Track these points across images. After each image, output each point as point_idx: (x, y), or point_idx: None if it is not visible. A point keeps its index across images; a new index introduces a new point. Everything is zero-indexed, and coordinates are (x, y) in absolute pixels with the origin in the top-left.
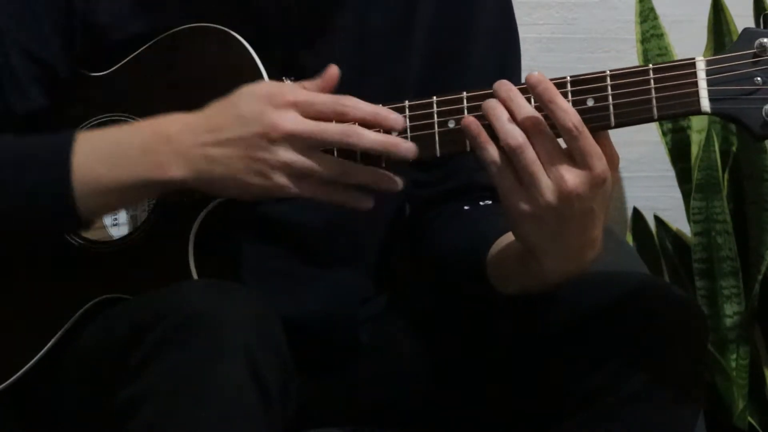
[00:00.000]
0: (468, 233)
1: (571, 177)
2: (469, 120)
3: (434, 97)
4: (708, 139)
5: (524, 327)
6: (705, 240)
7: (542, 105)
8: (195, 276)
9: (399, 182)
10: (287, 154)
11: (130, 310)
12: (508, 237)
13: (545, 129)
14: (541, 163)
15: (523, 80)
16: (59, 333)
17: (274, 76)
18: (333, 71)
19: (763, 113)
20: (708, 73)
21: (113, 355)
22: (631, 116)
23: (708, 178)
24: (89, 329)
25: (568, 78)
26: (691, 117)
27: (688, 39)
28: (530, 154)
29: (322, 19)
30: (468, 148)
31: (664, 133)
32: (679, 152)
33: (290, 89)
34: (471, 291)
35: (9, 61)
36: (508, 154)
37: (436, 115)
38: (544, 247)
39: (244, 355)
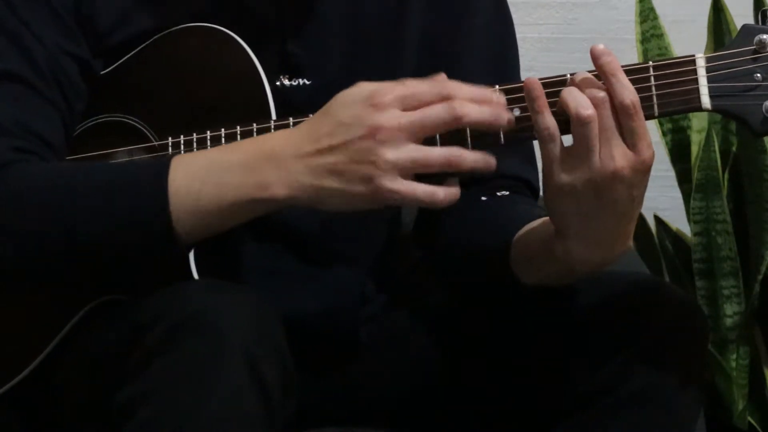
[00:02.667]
0: (490, 224)
1: (620, 156)
2: (532, 80)
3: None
4: (708, 139)
5: (524, 327)
6: (705, 240)
7: (604, 78)
8: (195, 276)
9: (494, 162)
10: (395, 153)
11: (130, 310)
12: (536, 223)
13: (608, 105)
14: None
15: (522, 77)
16: (60, 334)
17: (271, 73)
18: (441, 77)
19: (764, 109)
20: (708, 69)
21: (113, 355)
22: None
23: (708, 178)
24: (90, 330)
25: (569, 76)
26: (690, 117)
27: (688, 39)
28: (595, 128)
29: (316, 14)
30: (470, 146)
31: (664, 133)
32: (679, 152)
33: (387, 87)
34: (493, 282)
35: (59, 64)
36: (574, 124)
37: None
38: (578, 229)
39: (244, 355)
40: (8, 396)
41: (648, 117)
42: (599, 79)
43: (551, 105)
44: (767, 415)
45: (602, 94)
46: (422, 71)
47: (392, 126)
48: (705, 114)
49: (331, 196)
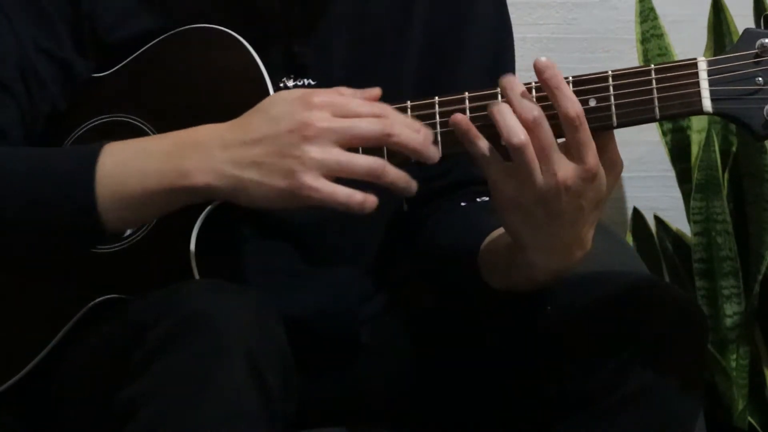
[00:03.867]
0: (464, 229)
1: (563, 169)
2: (458, 117)
3: (436, 98)
4: (708, 139)
5: (524, 327)
6: (705, 240)
7: (547, 91)
8: (197, 275)
9: (415, 186)
10: (320, 152)
11: (130, 310)
12: (500, 230)
13: (544, 123)
14: (539, 156)
15: (521, 73)
16: (60, 333)
17: (275, 75)
18: (375, 91)
19: (765, 113)
20: (710, 73)
21: (114, 354)
22: (633, 116)
23: (708, 178)
24: (90, 329)
25: (570, 78)
26: (691, 117)
27: (688, 39)
28: (530, 152)
29: (321, 16)
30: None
31: (664, 133)
32: (679, 152)
33: (323, 92)
34: (466, 287)
35: (31, 62)
36: (509, 149)
37: (438, 116)
38: (531, 239)
39: (244, 355)
40: (9, 394)
41: (649, 120)
42: (539, 90)
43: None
44: (767, 415)
45: (536, 113)
46: (424, 73)
47: (321, 125)
48: None
49: (250, 187)
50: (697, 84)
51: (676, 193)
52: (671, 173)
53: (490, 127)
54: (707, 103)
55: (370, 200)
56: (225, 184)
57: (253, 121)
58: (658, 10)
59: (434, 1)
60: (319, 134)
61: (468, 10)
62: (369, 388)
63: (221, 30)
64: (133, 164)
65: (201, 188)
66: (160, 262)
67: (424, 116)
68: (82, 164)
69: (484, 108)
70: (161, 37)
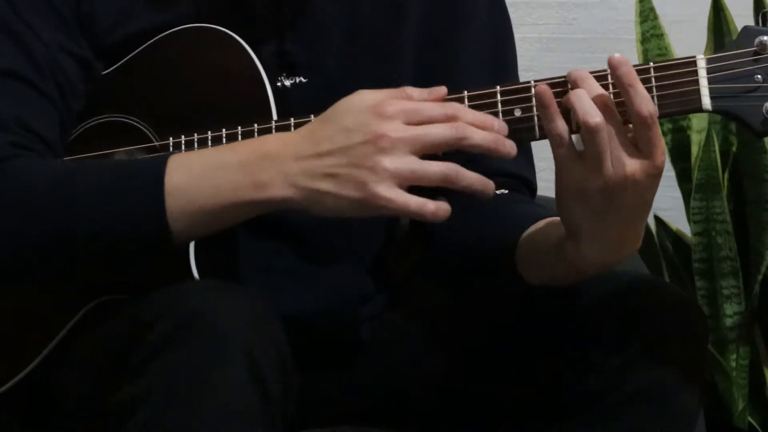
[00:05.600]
0: (493, 224)
1: (631, 161)
2: (543, 88)
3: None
4: (708, 139)
5: (524, 327)
6: (705, 240)
7: (621, 88)
8: (196, 275)
9: (492, 187)
10: (394, 162)
11: (130, 310)
12: (542, 224)
13: (616, 112)
14: (611, 144)
15: (520, 73)
16: (61, 333)
17: (269, 72)
18: (442, 90)
19: (764, 111)
20: (709, 71)
21: (113, 354)
22: None
23: (708, 178)
24: (90, 329)
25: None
26: (691, 117)
27: (688, 39)
28: (604, 135)
29: (313, 12)
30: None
31: (664, 133)
32: (679, 152)
33: (394, 99)
34: (493, 279)
35: (60, 65)
36: (583, 131)
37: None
38: (589, 230)
39: (244, 355)
40: (8, 395)
41: None
42: (601, 82)
43: (559, 105)
44: (767, 415)
45: (610, 100)
46: (420, 70)
47: (395, 136)
48: (705, 114)
49: (324, 199)
50: (697, 82)
51: (676, 193)
52: (671, 173)
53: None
54: (707, 101)
55: (443, 208)
56: (300, 196)
57: (326, 131)
58: (658, 10)
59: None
60: (394, 145)
61: (464, 6)
62: (369, 387)
63: (217, 29)
64: (204, 178)
65: (277, 200)
66: (160, 263)
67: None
68: (150, 179)
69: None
70: (157, 38)
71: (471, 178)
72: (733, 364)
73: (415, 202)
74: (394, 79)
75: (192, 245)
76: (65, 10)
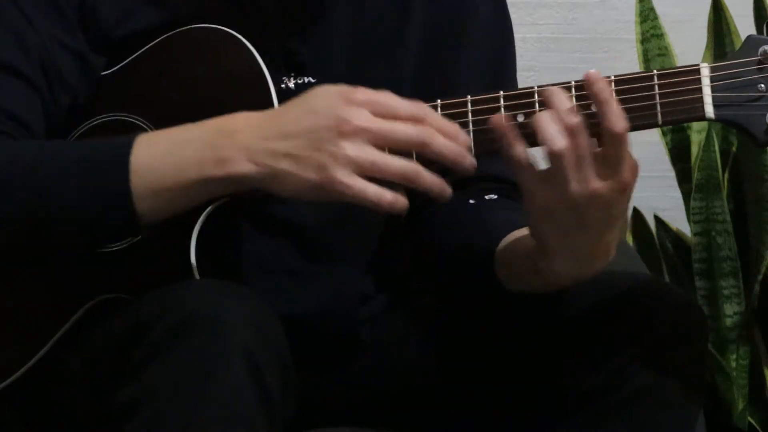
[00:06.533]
0: (476, 228)
1: (597, 179)
2: (497, 119)
3: (438, 101)
4: (708, 139)
5: (524, 327)
6: (705, 240)
7: (596, 104)
8: (197, 275)
9: (449, 192)
10: (355, 149)
11: (130, 309)
12: (519, 234)
13: (583, 132)
14: (576, 163)
15: (520, 73)
16: (60, 332)
17: (275, 73)
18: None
19: (767, 120)
20: (712, 79)
21: (113, 354)
22: (635, 121)
23: (708, 178)
24: (90, 329)
25: (573, 83)
26: None
27: (688, 39)
28: (569, 158)
29: (320, 12)
30: (473, 152)
31: (664, 133)
32: (679, 152)
33: (366, 90)
34: (476, 287)
35: (50, 54)
36: (547, 156)
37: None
38: (558, 246)
39: (244, 355)
40: (8, 393)
41: (651, 126)
42: (568, 92)
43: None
44: (767, 415)
45: (576, 121)
46: (423, 71)
47: (359, 123)
48: None
49: (284, 178)
50: (700, 90)
51: (676, 193)
52: (671, 173)
53: (527, 134)
54: (709, 110)
55: (400, 201)
56: (261, 174)
57: (293, 113)
58: (658, 10)
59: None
60: (356, 132)
61: (467, 9)
62: (369, 387)
63: (222, 30)
64: (169, 154)
65: (237, 177)
66: (161, 262)
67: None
68: (116, 157)
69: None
70: (162, 37)
71: (430, 180)
72: (733, 364)
73: (373, 190)
74: (399, 79)
75: (193, 245)
76: (66, 5)
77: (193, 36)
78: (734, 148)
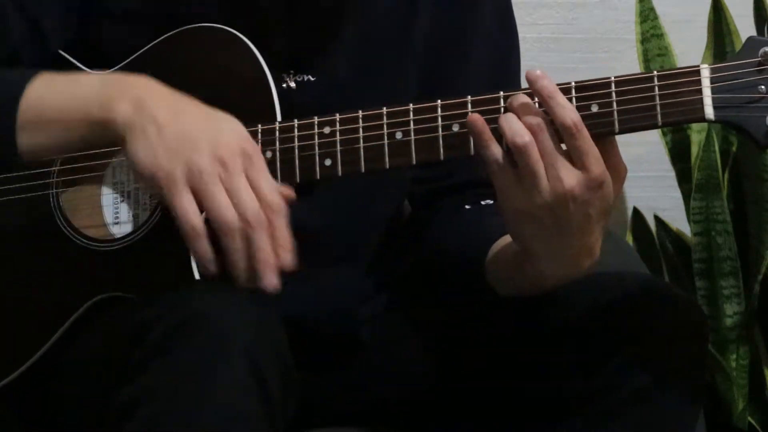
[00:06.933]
0: (469, 233)
1: (568, 177)
2: (474, 117)
3: (438, 101)
4: (708, 139)
5: (525, 327)
6: (705, 240)
7: (541, 101)
8: (197, 275)
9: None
10: (211, 178)
11: (131, 309)
12: (507, 238)
13: (544, 129)
14: (545, 161)
15: (523, 77)
16: (60, 331)
17: (276, 71)
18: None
19: (767, 122)
20: (712, 80)
21: (114, 354)
22: (635, 122)
23: (708, 178)
24: (90, 328)
25: (573, 84)
26: None
27: (688, 39)
28: (534, 154)
29: (324, 10)
30: (471, 152)
31: (664, 133)
32: (679, 152)
33: (235, 155)
34: (470, 290)
35: (4, 11)
36: (513, 152)
37: (440, 119)
38: (540, 249)
39: (245, 355)
40: (8, 391)
41: (651, 127)
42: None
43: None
44: (767, 415)
45: (537, 119)
46: (427, 73)
47: (207, 177)
48: None
49: (144, 143)
50: (700, 91)
51: (676, 193)
52: (671, 173)
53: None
54: (709, 111)
55: (207, 258)
56: (131, 121)
57: (192, 115)
58: (658, 10)
59: (437, 8)
60: (207, 177)
61: (472, 13)
62: (369, 388)
63: (223, 29)
64: (61, 92)
65: (112, 120)
66: (160, 261)
67: (426, 119)
68: (11, 88)
69: (490, 112)
70: (162, 37)
71: (199, 251)
72: (733, 364)
73: (193, 223)
74: (404, 81)
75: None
76: None
77: (194, 35)
78: (734, 148)
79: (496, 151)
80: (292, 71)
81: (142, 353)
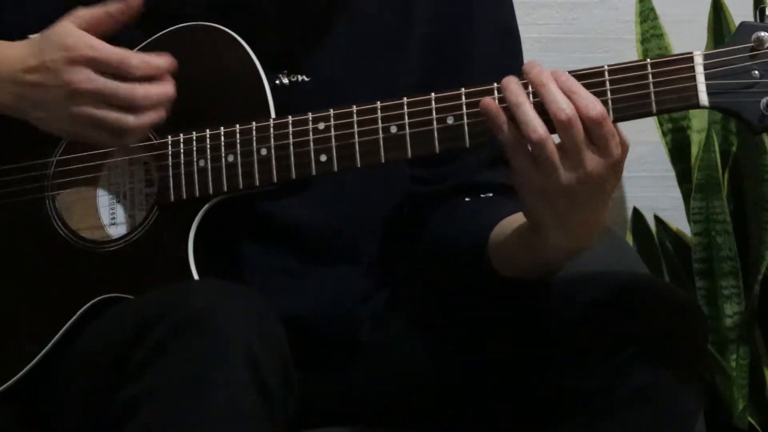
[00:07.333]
0: (470, 218)
1: (591, 162)
2: (487, 101)
3: (432, 94)
4: (708, 139)
5: (524, 327)
6: (705, 240)
7: (568, 96)
8: (195, 274)
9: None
10: (75, 109)
11: (131, 309)
12: (512, 218)
13: (577, 123)
14: (565, 150)
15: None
16: (60, 333)
17: (269, 69)
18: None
19: (761, 106)
20: (706, 67)
21: (114, 354)
22: (630, 111)
23: (708, 178)
24: (90, 328)
25: (566, 73)
26: (690, 117)
27: (688, 39)
28: (550, 146)
29: (317, 10)
30: (467, 144)
31: (664, 133)
32: (679, 152)
33: (87, 45)
34: (474, 277)
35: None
36: (530, 143)
37: (434, 112)
38: (551, 222)
39: (245, 355)
40: (8, 394)
41: (646, 115)
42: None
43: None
44: (767, 415)
45: (569, 112)
46: (427, 74)
47: (78, 87)
48: (705, 114)
49: (35, 115)
50: (694, 78)
51: (676, 193)
52: (671, 173)
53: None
54: (703, 97)
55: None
56: (14, 108)
57: (38, 59)
58: (658, 10)
59: (436, 6)
60: (80, 93)
61: (470, 17)
62: (369, 388)
63: (215, 27)
64: None
65: None
66: (159, 261)
67: (420, 112)
68: None
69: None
70: (154, 37)
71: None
72: (733, 364)
73: (113, 115)
74: (398, 83)
75: (191, 246)
76: None
77: (186, 34)
78: (734, 148)
79: (511, 134)
80: (285, 71)
81: (142, 353)
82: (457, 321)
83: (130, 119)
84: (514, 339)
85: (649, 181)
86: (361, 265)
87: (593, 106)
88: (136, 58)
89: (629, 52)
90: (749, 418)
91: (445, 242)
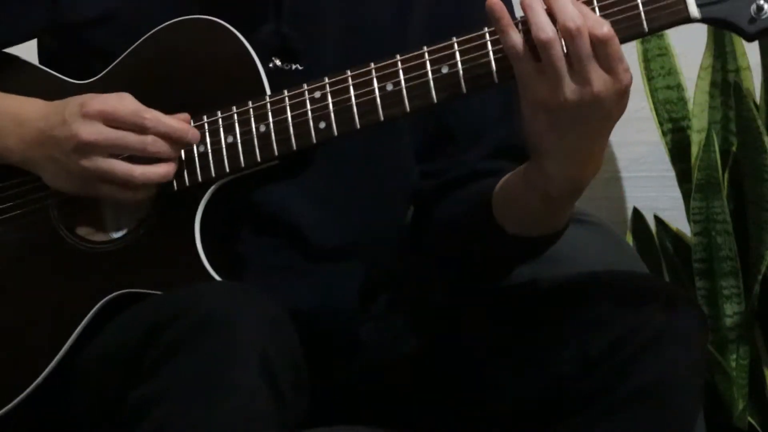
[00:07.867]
0: (473, 192)
1: (598, 81)
2: (495, 2)
3: (425, 47)
4: (708, 139)
5: (524, 326)
6: (705, 240)
7: (524, 11)
8: (204, 260)
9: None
10: (87, 162)
11: (144, 311)
12: (512, 172)
13: (585, 33)
14: (571, 62)
15: None
16: (73, 336)
17: (263, 55)
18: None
19: (752, 10)
20: None
21: (127, 355)
22: (622, 33)
23: (708, 178)
24: (104, 330)
25: None
26: (690, 117)
27: (688, 39)
28: (557, 50)
29: (311, 6)
30: (464, 90)
31: (664, 133)
32: (679, 152)
33: (100, 101)
34: (477, 242)
35: None
36: (537, 46)
37: (428, 64)
38: (551, 145)
39: (258, 357)
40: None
41: (639, 35)
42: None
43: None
44: (767, 415)
45: (579, 22)
46: None
47: (88, 138)
48: (705, 114)
49: (45, 174)
50: None
51: (676, 193)
52: (671, 173)
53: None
54: (693, 9)
55: (150, 170)
56: (29, 166)
57: (58, 118)
58: None
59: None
60: (85, 147)
61: (469, 7)
62: (369, 387)
63: (203, 18)
64: None
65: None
66: (167, 253)
67: (415, 66)
68: None
69: (477, 49)
70: (148, 34)
71: (141, 194)
72: (733, 364)
73: (121, 166)
74: None
75: (197, 233)
76: None
77: (178, 29)
78: (734, 148)
79: (515, 37)
80: (279, 58)
81: (155, 354)
82: (457, 321)
83: (137, 171)
84: (515, 338)
85: (649, 181)
86: (361, 264)
87: (600, 25)
88: (149, 114)
89: (629, 53)
90: (749, 418)
91: (452, 214)
